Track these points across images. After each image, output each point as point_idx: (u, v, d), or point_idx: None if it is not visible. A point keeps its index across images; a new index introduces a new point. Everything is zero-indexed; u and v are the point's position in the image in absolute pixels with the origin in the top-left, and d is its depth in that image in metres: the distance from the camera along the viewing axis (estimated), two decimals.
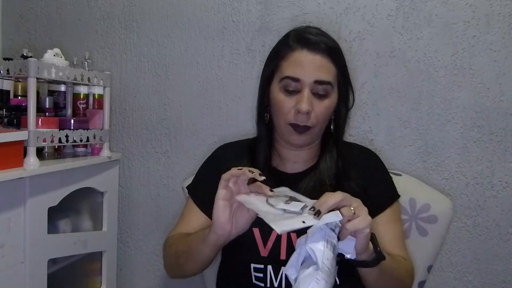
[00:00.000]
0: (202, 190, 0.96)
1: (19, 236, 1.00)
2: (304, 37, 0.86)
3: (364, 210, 0.67)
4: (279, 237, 0.83)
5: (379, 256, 0.71)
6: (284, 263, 0.81)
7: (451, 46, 1.17)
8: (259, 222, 0.83)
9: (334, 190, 0.68)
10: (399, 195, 0.96)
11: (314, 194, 0.73)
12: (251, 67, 1.29)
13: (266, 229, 0.81)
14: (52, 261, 1.12)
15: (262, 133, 0.94)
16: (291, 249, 0.81)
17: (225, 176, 0.73)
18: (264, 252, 0.83)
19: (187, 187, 1.03)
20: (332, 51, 0.86)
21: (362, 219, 0.65)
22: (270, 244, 0.83)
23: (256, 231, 0.83)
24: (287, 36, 0.90)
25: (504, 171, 1.16)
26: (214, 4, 1.32)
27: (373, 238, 0.71)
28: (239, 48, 1.30)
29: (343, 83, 0.89)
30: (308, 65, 0.83)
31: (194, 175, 1.04)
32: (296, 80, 0.83)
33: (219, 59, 1.32)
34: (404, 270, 0.87)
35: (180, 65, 1.36)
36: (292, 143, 0.89)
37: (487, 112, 1.16)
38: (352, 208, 0.65)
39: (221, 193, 0.73)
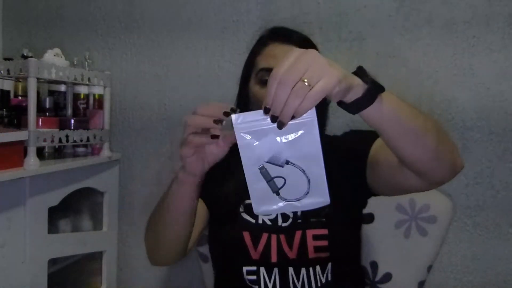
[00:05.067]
0: None
1: (19, 236, 1.00)
2: (276, 32, 0.93)
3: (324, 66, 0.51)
4: (269, 240, 0.82)
5: (372, 87, 0.56)
6: (276, 265, 0.81)
7: (451, 46, 1.17)
8: (249, 226, 0.83)
9: None
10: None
11: None
12: None
13: (256, 233, 0.83)
14: (52, 261, 1.12)
15: None
16: (281, 252, 0.81)
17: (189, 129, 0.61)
18: (255, 255, 0.82)
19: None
20: (305, 41, 0.89)
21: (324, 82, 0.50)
22: (261, 247, 0.82)
23: (246, 235, 0.83)
24: (262, 35, 0.95)
25: (504, 171, 1.16)
26: (214, 4, 1.32)
27: (359, 72, 0.57)
28: (239, 48, 1.30)
29: None
30: (280, 55, 0.84)
31: None
32: (269, 70, 0.83)
33: (219, 59, 1.32)
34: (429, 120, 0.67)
35: (180, 65, 1.36)
36: None
37: (487, 112, 1.16)
38: (305, 80, 0.49)
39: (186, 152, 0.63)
